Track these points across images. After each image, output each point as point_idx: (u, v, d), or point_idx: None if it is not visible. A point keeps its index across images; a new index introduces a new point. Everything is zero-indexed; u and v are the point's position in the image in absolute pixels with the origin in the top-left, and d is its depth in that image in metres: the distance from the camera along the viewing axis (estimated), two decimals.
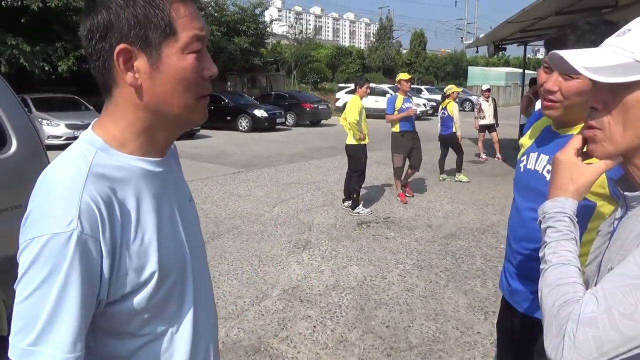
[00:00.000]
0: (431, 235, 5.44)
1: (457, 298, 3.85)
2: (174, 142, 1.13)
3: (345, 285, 4.10)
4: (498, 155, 10.68)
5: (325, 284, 4.12)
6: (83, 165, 0.80)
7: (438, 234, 5.50)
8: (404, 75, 7.07)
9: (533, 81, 9.85)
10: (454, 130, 8.17)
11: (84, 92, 13.42)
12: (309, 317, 3.53)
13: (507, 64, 47.80)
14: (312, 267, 4.50)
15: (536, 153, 1.53)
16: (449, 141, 8.39)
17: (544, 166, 1.48)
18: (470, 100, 29.12)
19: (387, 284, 4.13)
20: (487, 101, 10.69)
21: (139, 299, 0.85)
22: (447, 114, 8.21)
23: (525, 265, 1.55)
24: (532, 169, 1.53)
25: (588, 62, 0.80)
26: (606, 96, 0.82)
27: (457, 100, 8.66)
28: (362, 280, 4.20)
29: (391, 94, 8.28)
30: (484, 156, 10.71)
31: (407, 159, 6.89)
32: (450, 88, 8.54)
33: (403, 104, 6.73)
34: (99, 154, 0.83)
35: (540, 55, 66.35)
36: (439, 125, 8.46)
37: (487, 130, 10.74)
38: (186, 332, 0.94)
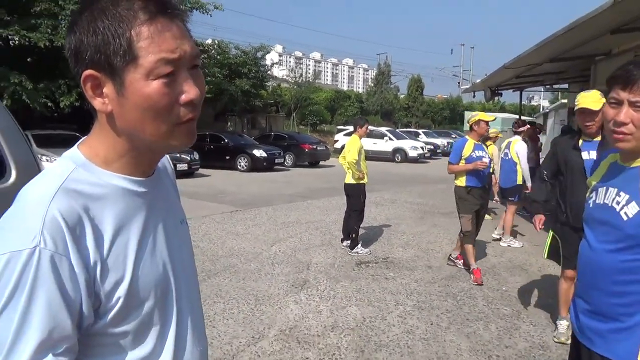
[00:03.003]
0: (431, 277, 5.34)
1: (459, 341, 3.74)
2: (170, 163, 1.11)
3: (344, 326, 3.98)
4: (496, 197, 10.68)
5: (324, 324, 4.00)
6: (56, 181, 0.78)
7: (438, 275, 5.41)
8: (484, 116, 5.36)
9: (529, 123, 10.00)
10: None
11: (85, 129, 13.48)
12: (307, 359, 3.41)
13: (502, 109, 48.66)
14: (310, 307, 4.39)
15: (604, 187, 1.55)
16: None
17: (613, 198, 1.49)
18: None
19: (387, 325, 4.02)
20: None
21: (116, 320, 0.82)
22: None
23: (600, 301, 1.53)
24: (602, 202, 1.55)
25: None
26: None
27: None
28: (361, 321, 4.09)
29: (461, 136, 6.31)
30: None
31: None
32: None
33: (473, 151, 5.23)
34: (77, 170, 0.81)
35: (535, 102, 67.67)
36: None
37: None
38: (167, 358, 0.90)
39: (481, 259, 6.09)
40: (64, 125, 15.28)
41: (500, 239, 6.95)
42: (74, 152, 0.86)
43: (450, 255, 5.81)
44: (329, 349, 3.55)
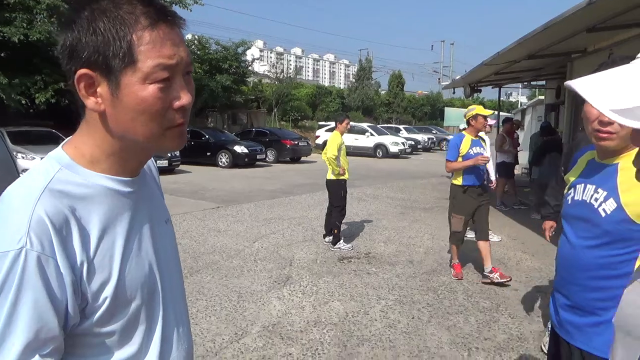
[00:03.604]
0: (412, 271, 5.41)
1: (440, 334, 3.81)
2: (155, 163, 1.11)
3: (326, 321, 4.01)
4: None
5: (307, 320, 4.03)
6: (41, 182, 0.78)
7: (419, 269, 5.48)
8: (481, 110, 5.08)
9: (506, 120, 10.17)
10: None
11: (62, 126, 13.26)
12: (290, 354, 3.43)
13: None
14: (293, 303, 4.41)
15: (583, 184, 1.58)
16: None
17: (592, 195, 1.52)
18: (448, 140, 29.81)
19: (370, 320, 4.06)
20: None
21: (103, 319, 0.82)
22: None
23: (578, 296, 1.56)
24: (580, 199, 1.58)
25: (616, 102, 0.61)
26: None
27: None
28: (344, 316, 4.13)
29: (459, 132, 5.64)
30: None
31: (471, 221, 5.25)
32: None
33: (471, 148, 4.98)
34: (62, 170, 0.81)
35: (513, 98, 68.69)
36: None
37: None
38: (153, 358, 0.91)
39: (461, 253, 6.18)
40: (40, 122, 14.96)
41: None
42: (59, 153, 0.85)
43: (484, 271, 5.16)
44: (312, 344, 3.58)
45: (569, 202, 1.63)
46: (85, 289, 0.79)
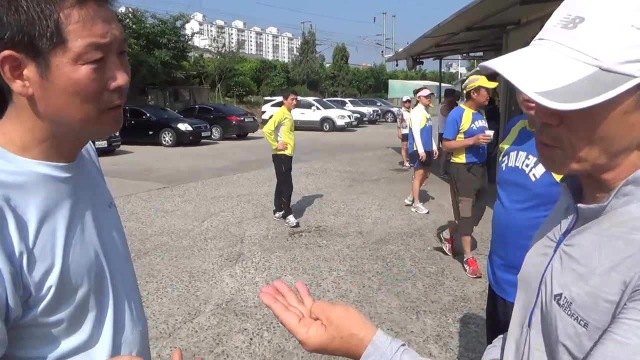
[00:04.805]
0: (362, 242, 5.55)
1: (389, 300, 3.96)
2: (93, 146, 1.08)
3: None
4: (406, 164, 11.08)
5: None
6: None
7: (369, 239, 5.64)
8: (485, 82, 4.41)
9: (448, 92, 10.46)
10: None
11: None
12: (245, 330, 3.46)
13: (424, 77, 50.31)
14: (246, 279, 4.43)
15: (515, 151, 1.68)
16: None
17: (523, 161, 1.63)
18: (392, 112, 30.35)
19: (322, 291, 4.16)
20: (409, 111, 11.16)
21: (49, 309, 0.80)
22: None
23: (513, 255, 1.66)
24: (513, 165, 1.68)
25: (540, 83, 0.59)
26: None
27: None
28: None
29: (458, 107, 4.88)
30: (407, 164, 11.15)
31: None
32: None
33: (473, 122, 4.50)
34: None
35: (454, 69, 70.60)
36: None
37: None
38: (106, 344, 0.90)
39: (407, 222, 6.41)
40: None
41: (411, 205, 7.18)
42: None
43: (442, 233, 5.14)
44: (267, 319, 3.63)
45: (503, 168, 1.73)
46: (27, 280, 0.77)
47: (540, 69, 0.61)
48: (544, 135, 0.67)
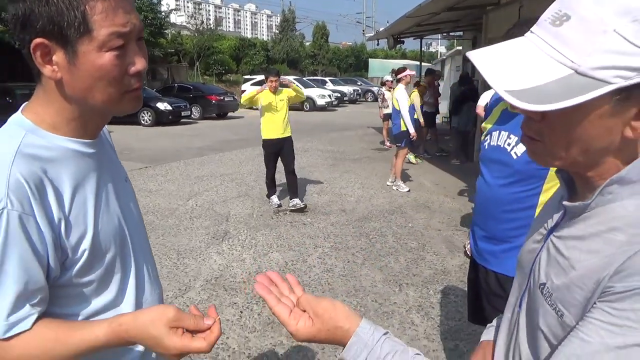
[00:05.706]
0: (345, 219, 5.69)
1: (373, 274, 4.12)
2: (105, 126, 1.16)
3: (267, 271, 4.17)
4: (387, 143, 11.21)
5: (248, 271, 4.18)
6: (11, 146, 0.82)
7: (352, 217, 5.78)
8: None
9: (429, 72, 10.57)
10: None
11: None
12: (235, 303, 3.58)
13: (404, 56, 50.34)
14: (233, 256, 4.53)
15: (498, 131, 1.80)
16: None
17: (505, 140, 1.75)
18: (372, 91, 30.38)
19: (308, 267, 4.29)
20: (389, 91, 11.25)
21: (82, 270, 0.90)
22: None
23: (495, 227, 1.81)
24: (495, 144, 1.80)
25: (514, 81, 0.60)
26: None
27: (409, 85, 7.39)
28: (283, 265, 4.32)
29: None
30: (388, 143, 11.29)
31: None
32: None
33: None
34: (28, 135, 0.85)
35: (433, 49, 70.63)
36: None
37: (390, 119, 11.32)
38: (130, 302, 1.00)
39: (389, 200, 6.56)
40: None
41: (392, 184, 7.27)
42: (20, 118, 0.89)
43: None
44: (256, 293, 3.73)
45: (486, 147, 1.86)
46: (65, 244, 0.86)
47: (518, 66, 0.62)
48: (528, 127, 0.69)
